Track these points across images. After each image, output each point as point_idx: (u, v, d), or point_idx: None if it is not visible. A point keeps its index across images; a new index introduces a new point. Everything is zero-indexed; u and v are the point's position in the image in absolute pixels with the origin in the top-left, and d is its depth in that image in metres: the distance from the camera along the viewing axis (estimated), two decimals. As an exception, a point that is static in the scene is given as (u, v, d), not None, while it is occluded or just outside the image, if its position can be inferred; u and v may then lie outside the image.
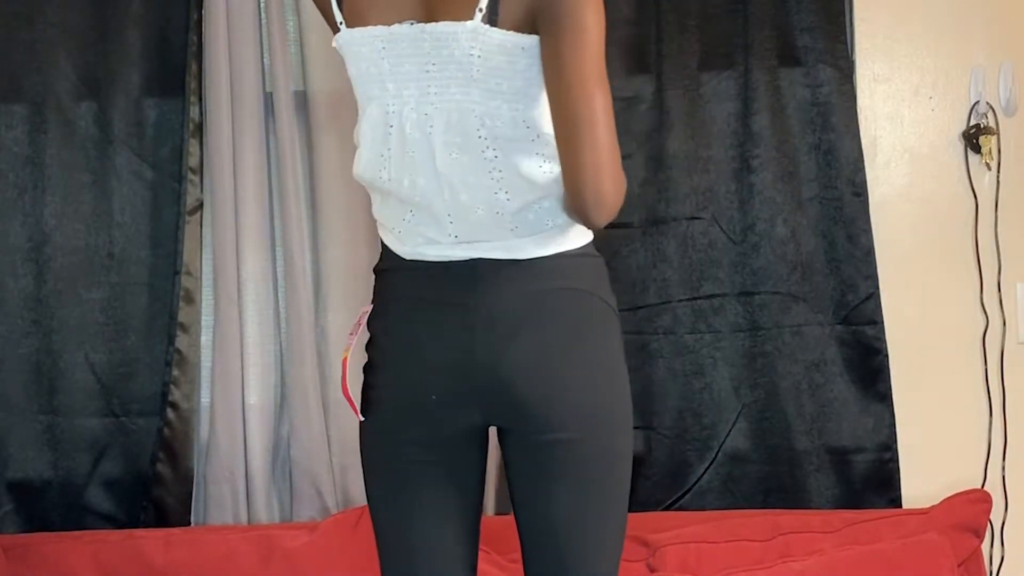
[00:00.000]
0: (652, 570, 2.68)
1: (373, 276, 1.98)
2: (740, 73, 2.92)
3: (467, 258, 1.86)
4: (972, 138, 2.97)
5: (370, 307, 1.96)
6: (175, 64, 2.88)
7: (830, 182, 2.92)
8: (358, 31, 1.84)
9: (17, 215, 2.88)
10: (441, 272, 1.87)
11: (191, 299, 2.87)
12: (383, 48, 1.83)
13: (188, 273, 2.86)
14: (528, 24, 1.77)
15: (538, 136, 1.83)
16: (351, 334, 1.98)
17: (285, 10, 2.91)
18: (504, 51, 1.78)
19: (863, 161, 2.91)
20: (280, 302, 2.91)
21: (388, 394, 1.91)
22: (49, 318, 2.87)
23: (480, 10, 1.76)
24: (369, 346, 1.96)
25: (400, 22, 1.82)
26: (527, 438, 1.88)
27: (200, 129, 2.88)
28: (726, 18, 2.93)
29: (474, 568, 1.98)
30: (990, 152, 2.96)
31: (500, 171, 1.83)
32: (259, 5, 2.89)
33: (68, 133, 2.88)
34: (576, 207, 1.77)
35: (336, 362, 2.88)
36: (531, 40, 1.79)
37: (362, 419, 1.95)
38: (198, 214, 2.88)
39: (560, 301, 1.86)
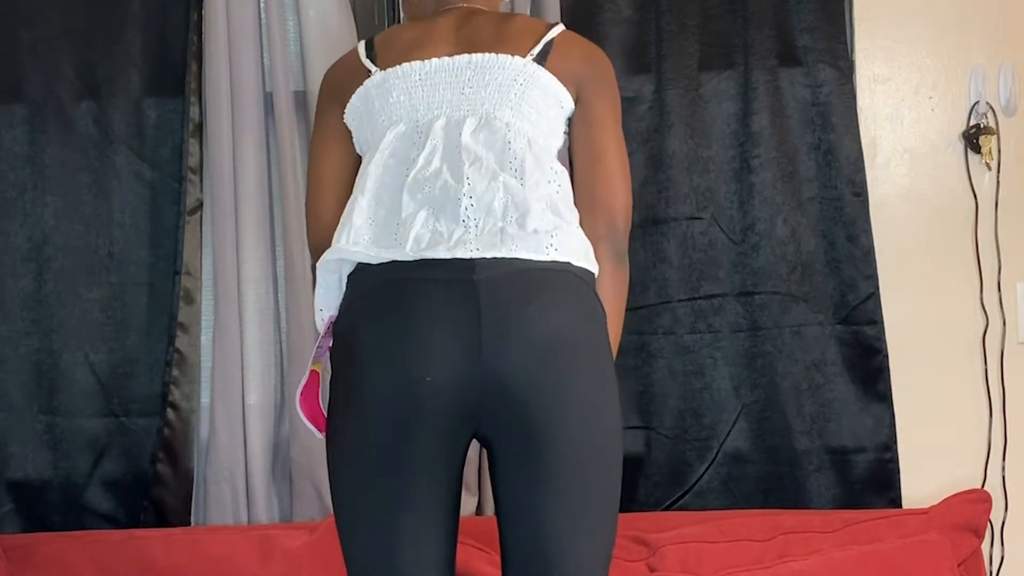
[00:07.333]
0: (652, 570, 2.68)
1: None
2: (740, 73, 2.92)
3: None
4: (972, 138, 2.97)
5: (335, 314, 1.93)
6: (175, 64, 2.89)
7: (830, 182, 2.92)
8: (398, 68, 1.94)
9: (17, 215, 2.88)
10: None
11: (191, 299, 2.87)
12: (419, 80, 1.92)
13: (188, 273, 2.86)
14: (570, 85, 1.99)
15: (551, 164, 1.93)
16: (319, 345, 1.97)
17: (285, 10, 2.91)
18: (545, 92, 1.94)
19: (863, 161, 2.91)
20: (280, 302, 2.91)
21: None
22: (49, 318, 2.87)
23: (532, 54, 1.93)
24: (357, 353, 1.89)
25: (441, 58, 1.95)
26: (523, 439, 1.85)
27: (200, 129, 2.87)
28: (726, 18, 2.93)
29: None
30: (990, 152, 2.96)
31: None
32: (259, 5, 2.89)
33: (68, 133, 2.88)
34: (604, 220, 1.98)
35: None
36: (570, 102, 2.00)
37: (321, 436, 1.96)
38: (198, 214, 2.87)
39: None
